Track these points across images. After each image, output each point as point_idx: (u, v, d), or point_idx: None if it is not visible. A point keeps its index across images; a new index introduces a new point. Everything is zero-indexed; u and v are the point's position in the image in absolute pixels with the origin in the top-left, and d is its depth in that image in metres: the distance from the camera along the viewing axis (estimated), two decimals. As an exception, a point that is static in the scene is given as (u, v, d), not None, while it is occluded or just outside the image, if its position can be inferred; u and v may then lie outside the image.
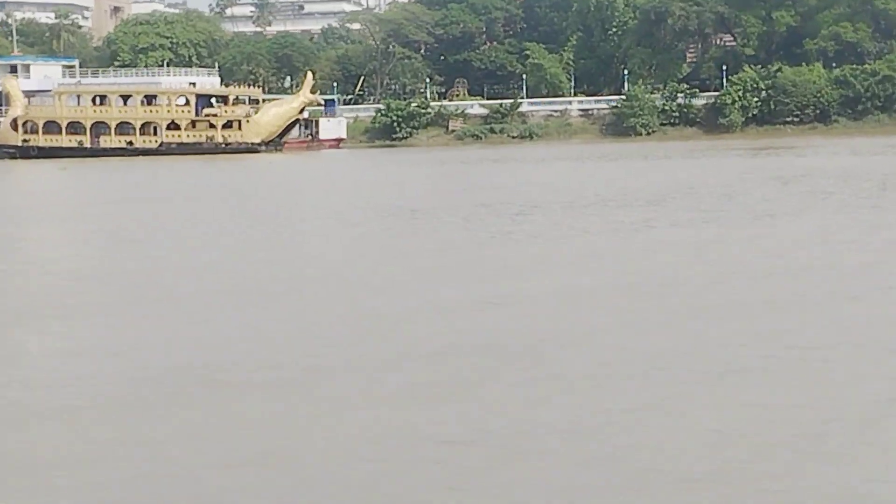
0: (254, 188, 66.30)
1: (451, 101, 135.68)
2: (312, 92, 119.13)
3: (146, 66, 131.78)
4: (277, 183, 72.35)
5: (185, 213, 48.10)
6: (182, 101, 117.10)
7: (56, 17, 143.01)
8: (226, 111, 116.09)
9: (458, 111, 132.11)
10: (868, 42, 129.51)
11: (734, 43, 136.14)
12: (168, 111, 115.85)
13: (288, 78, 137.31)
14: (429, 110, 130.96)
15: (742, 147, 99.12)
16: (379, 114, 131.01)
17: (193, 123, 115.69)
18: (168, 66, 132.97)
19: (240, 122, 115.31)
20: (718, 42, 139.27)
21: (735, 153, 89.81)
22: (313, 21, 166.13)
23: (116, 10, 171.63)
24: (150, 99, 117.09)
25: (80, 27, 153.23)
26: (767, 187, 51.65)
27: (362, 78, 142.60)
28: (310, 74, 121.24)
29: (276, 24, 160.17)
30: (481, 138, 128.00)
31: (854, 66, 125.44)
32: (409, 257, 30.53)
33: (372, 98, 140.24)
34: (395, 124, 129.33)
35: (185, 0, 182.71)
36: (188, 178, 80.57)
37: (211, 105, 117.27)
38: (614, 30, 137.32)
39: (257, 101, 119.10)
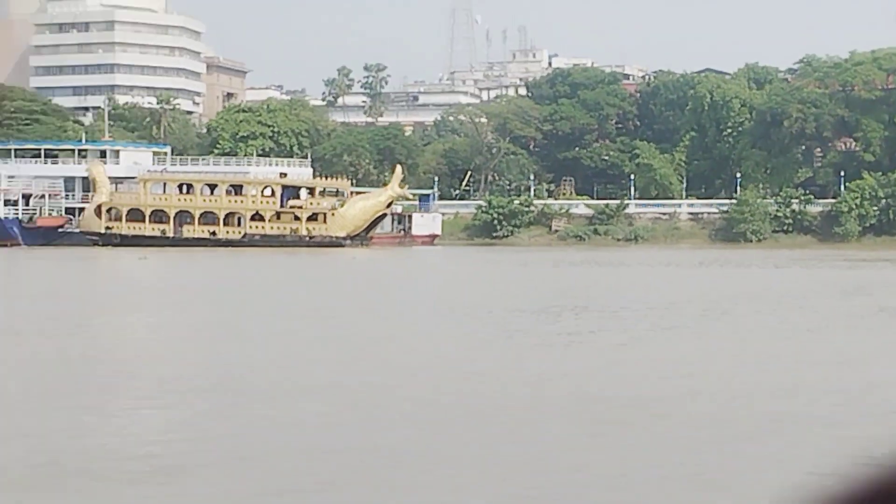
0: (310, 287, 64.23)
1: (556, 199, 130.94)
2: (402, 186, 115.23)
3: (245, 155, 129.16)
4: (339, 281, 69.79)
5: (222, 315, 46.56)
6: (268, 191, 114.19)
7: (158, 103, 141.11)
8: (311, 203, 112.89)
9: (563, 210, 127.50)
10: None
11: (856, 147, 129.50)
12: (253, 202, 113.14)
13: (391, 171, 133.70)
14: (532, 208, 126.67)
15: (847, 258, 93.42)
16: (479, 210, 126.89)
17: (278, 215, 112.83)
18: (268, 155, 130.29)
19: (325, 214, 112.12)
20: (839, 146, 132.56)
21: (834, 264, 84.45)
22: (427, 112, 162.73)
23: (229, 96, 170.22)
24: (236, 189, 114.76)
25: (189, 113, 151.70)
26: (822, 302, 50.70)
27: (468, 173, 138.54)
28: (398, 168, 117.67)
29: (388, 115, 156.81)
30: (584, 239, 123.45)
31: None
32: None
33: (477, 194, 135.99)
34: (496, 222, 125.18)
35: (303, 88, 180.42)
36: (254, 272, 78.07)
37: (298, 196, 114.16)
38: (729, 130, 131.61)
39: (345, 194, 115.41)
